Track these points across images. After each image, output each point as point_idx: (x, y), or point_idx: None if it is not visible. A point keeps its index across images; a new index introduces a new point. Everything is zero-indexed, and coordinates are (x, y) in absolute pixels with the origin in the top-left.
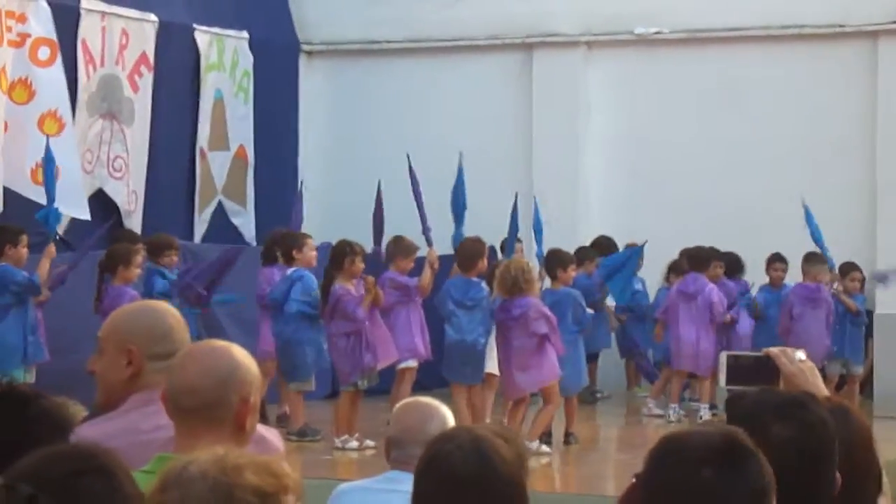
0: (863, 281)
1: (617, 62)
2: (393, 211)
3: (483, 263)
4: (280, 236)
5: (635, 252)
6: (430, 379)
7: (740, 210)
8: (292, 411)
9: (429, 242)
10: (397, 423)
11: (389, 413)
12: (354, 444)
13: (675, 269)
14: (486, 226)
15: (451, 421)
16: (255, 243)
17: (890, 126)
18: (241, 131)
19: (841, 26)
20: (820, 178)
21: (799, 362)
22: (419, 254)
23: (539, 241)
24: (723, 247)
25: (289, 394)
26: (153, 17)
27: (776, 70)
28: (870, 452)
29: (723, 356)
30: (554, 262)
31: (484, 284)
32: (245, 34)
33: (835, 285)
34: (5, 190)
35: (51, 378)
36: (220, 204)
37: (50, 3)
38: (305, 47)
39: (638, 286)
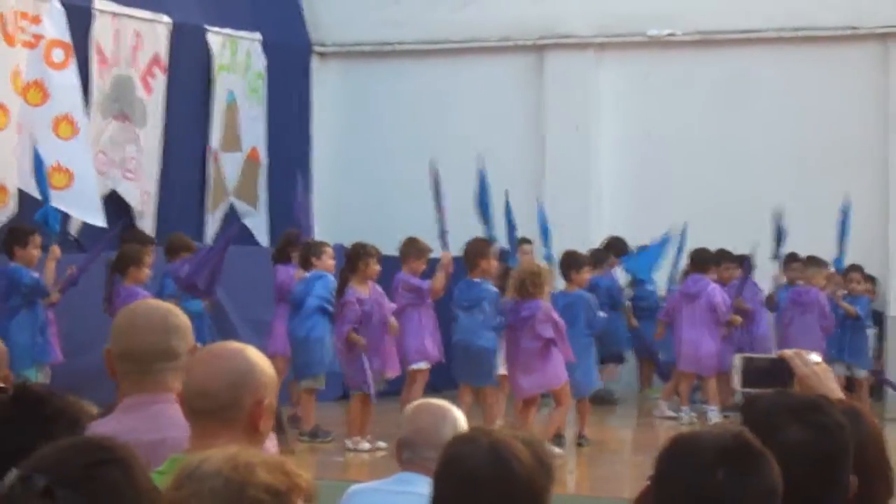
0: (867, 282)
1: (629, 64)
2: (405, 212)
3: (487, 263)
4: (293, 238)
5: (667, 239)
6: (441, 380)
7: (752, 211)
8: (304, 412)
9: (444, 245)
10: (410, 425)
11: (400, 415)
12: (366, 445)
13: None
14: (499, 227)
15: (463, 423)
16: (267, 244)
17: None
18: (254, 132)
19: (853, 28)
20: (832, 180)
21: (813, 364)
22: (432, 255)
23: (546, 243)
24: (735, 247)
25: (301, 394)
26: (166, 18)
27: (788, 72)
28: (881, 455)
29: (737, 358)
30: (568, 263)
31: (488, 285)
32: (258, 35)
33: (837, 292)
34: (20, 192)
35: (64, 378)
36: (231, 205)
37: (63, 5)
38: (318, 49)
39: (651, 287)
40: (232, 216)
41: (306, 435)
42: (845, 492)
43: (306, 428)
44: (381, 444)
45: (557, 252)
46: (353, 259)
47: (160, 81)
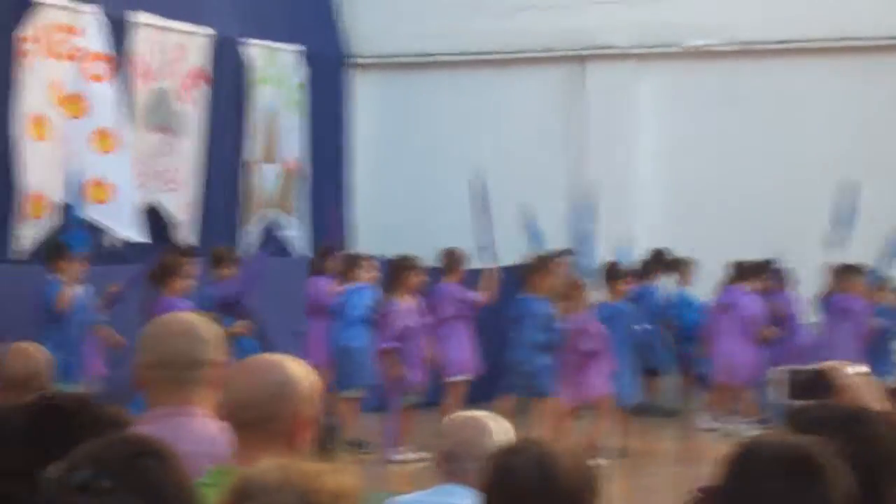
0: None
1: (668, 75)
2: (443, 223)
3: (544, 279)
4: (330, 250)
5: None
6: (476, 392)
7: (793, 222)
8: (344, 421)
9: (491, 258)
10: (451, 437)
11: (440, 426)
12: (411, 455)
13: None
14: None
15: (504, 435)
16: (305, 254)
17: None
18: (292, 144)
19: (892, 38)
20: (874, 190)
21: (856, 375)
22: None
23: (582, 253)
24: (776, 257)
25: (342, 404)
26: (206, 30)
27: (828, 82)
28: None
29: (780, 371)
30: (609, 275)
31: (540, 301)
32: (297, 47)
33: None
34: (60, 205)
35: (106, 390)
36: (270, 216)
37: (104, 17)
38: (357, 60)
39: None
40: (275, 235)
41: (346, 444)
42: (891, 503)
43: (346, 437)
44: (424, 454)
45: (592, 262)
46: (396, 271)
47: (200, 93)
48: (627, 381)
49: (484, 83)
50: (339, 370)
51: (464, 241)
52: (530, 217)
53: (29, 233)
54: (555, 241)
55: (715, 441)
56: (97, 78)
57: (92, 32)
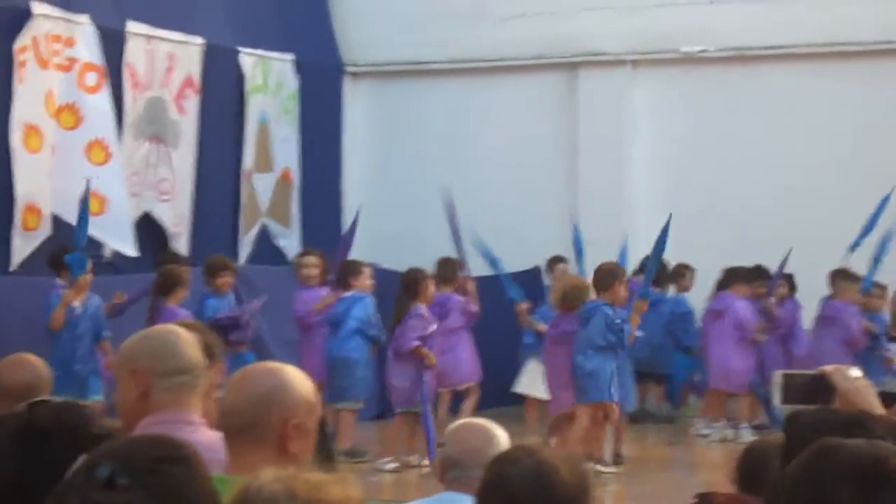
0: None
1: (662, 81)
2: (437, 231)
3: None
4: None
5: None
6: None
7: (788, 228)
8: (342, 431)
9: (465, 270)
10: (457, 445)
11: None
12: (391, 465)
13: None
14: (532, 245)
15: (506, 442)
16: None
17: None
18: (286, 153)
19: (887, 42)
20: (869, 195)
21: (854, 380)
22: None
23: (581, 263)
24: (770, 265)
25: (338, 413)
26: (199, 39)
27: (821, 87)
28: None
29: (777, 375)
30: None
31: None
32: (290, 56)
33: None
34: (53, 216)
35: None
36: (264, 226)
37: (96, 28)
38: (350, 69)
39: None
40: (269, 245)
41: (343, 454)
42: None
43: (343, 447)
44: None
45: (586, 270)
46: (412, 284)
47: (193, 103)
48: (623, 388)
49: (477, 91)
50: (336, 382)
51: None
52: (479, 241)
53: (23, 245)
54: (547, 247)
55: (709, 447)
56: (91, 89)
57: (85, 43)
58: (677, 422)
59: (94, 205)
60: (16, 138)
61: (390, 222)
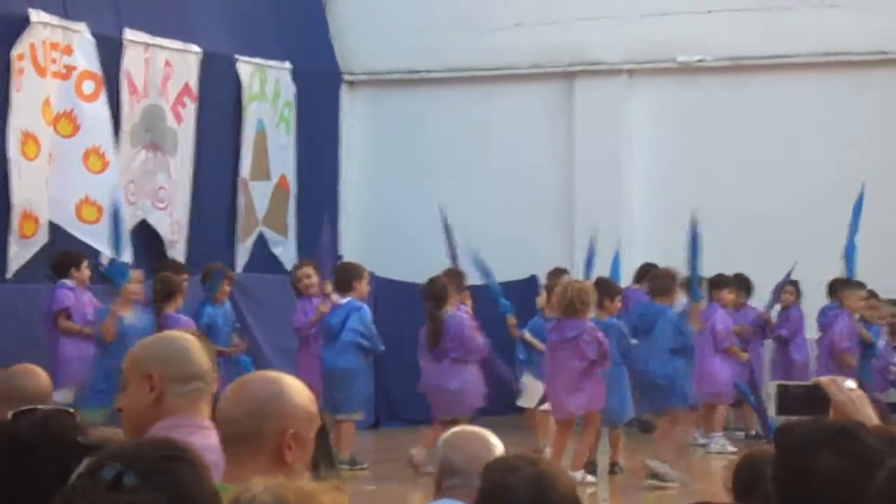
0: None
1: (659, 90)
2: (434, 240)
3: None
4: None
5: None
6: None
7: (784, 236)
8: (343, 440)
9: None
10: (458, 453)
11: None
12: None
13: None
14: (529, 254)
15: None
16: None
17: None
18: (283, 161)
19: (883, 53)
20: (868, 206)
21: (848, 391)
22: None
23: (589, 275)
24: (767, 273)
25: (338, 423)
26: (196, 47)
27: (818, 97)
28: None
29: (772, 386)
30: (602, 291)
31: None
32: (287, 64)
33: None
34: (50, 224)
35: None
36: (261, 233)
37: (94, 35)
38: (347, 77)
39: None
40: (266, 253)
41: (345, 463)
42: None
43: (343, 456)
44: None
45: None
46: (440, 292)
47: (190, 111)
48: (621, 399)
49: (474, 100)
50: (336, 394)
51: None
52: (475, 254)
53: (20, 252)
54: (543, 256)
55: (704, 457)
56: (89, 97)
57: (83, 51)
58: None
59: (90, 212)
60: (13, 146)
61: (386, 230)
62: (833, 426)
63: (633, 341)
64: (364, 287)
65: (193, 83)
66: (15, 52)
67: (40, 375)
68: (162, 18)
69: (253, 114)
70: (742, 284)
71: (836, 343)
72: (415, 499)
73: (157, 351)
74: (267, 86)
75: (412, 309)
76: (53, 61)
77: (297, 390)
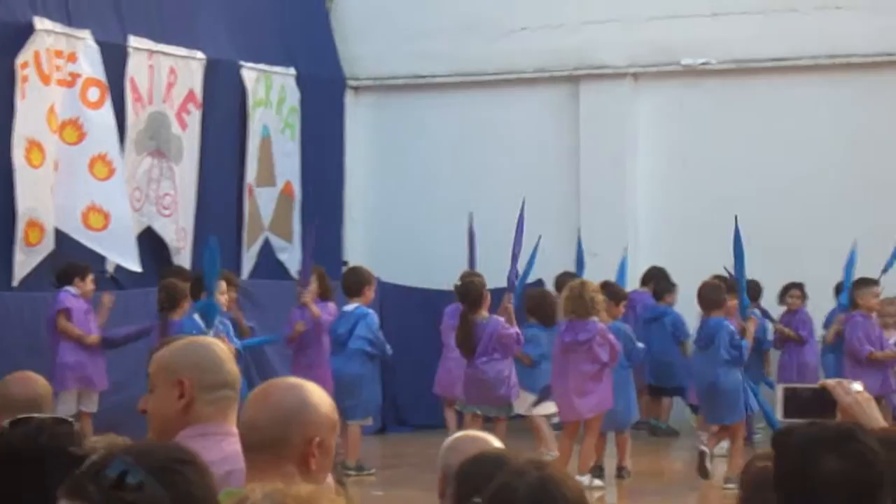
0: None
1: (664, 93)
2: (439, 245)
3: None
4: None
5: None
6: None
7: (790, 241)
8: (350, 446)
9: (511, 288)
10: (460, 458)
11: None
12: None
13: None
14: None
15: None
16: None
17: None
18: (288, 167)
19: (889, 54)
20: (870, 207)
21: (855, 393)
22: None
23: (580, 275)
24: (774, 278)
25: (349, 429)
26: (200, 54)
27: (823, 99)
28: None
29: (779, 389)
30: (608, 295)
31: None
32: (292, 70)
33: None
34: (56, 231)
35: (108, 413)
36: (266, 240)
37: (98, 43)
38: (352, 83)
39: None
40: (272, 259)
41: (353, 469)
42: None
43: (351, 462)
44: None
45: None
46: (473, 294)
47: (195, 117)
48: (626, 402)
49: (479, 104)
50: (346, 401)
51: (459, 263)
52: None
53: (25, 260)
54: (549, 261)
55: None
56: (94, 104)
57: (87, 58)
58: (684, 435)
59: (96, 220)
60: (18, 154)
61: (392, 235)
62: (833, 428)
63: (640, 345)
64: (371, 293)
65: (198, 90)
66: (19, 61)
67: (36, 382)
68: (166, 25)
69: (258, 120)
70: (751, 289)
71: (858, 350)
72: None
73: (189, 357)
74: (272, 92)
75: (418, 314)
76: (58, 69)
77: (321, 398)
